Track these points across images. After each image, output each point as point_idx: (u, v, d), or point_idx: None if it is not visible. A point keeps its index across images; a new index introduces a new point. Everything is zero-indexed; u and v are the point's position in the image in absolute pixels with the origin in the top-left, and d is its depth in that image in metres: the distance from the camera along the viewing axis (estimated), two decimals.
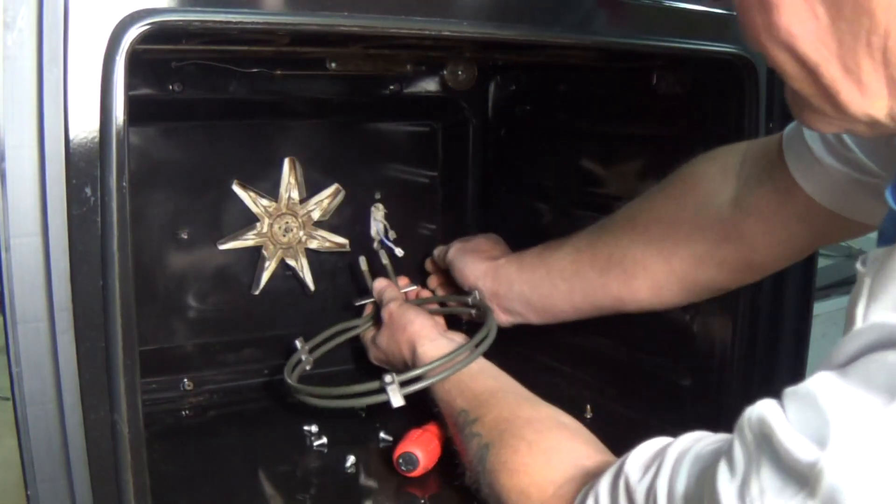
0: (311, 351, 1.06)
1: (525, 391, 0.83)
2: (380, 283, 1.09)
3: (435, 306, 1.14)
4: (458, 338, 0.97)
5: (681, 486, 0.52)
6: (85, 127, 0.55)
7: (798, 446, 0.42)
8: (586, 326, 1.14)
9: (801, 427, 0.43)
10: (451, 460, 0.83)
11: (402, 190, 1.21)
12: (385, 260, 1.15)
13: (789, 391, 0.45)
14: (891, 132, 0.49)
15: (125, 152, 0.56)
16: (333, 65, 1.02)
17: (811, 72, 0.47)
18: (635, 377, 1.07)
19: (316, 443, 0.95)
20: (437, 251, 1.16)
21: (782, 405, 0.45)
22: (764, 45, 0.48)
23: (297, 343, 1.05)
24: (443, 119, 1.23)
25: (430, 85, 1.17)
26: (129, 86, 0.56)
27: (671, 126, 1.00)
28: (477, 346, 0.92)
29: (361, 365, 1.11)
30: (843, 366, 0.43)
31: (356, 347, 1.12)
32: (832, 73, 0.46)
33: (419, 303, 1.11)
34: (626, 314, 0.97)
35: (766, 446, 0.44)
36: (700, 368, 0.98)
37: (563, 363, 1.17)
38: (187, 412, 1.04)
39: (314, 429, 0.96)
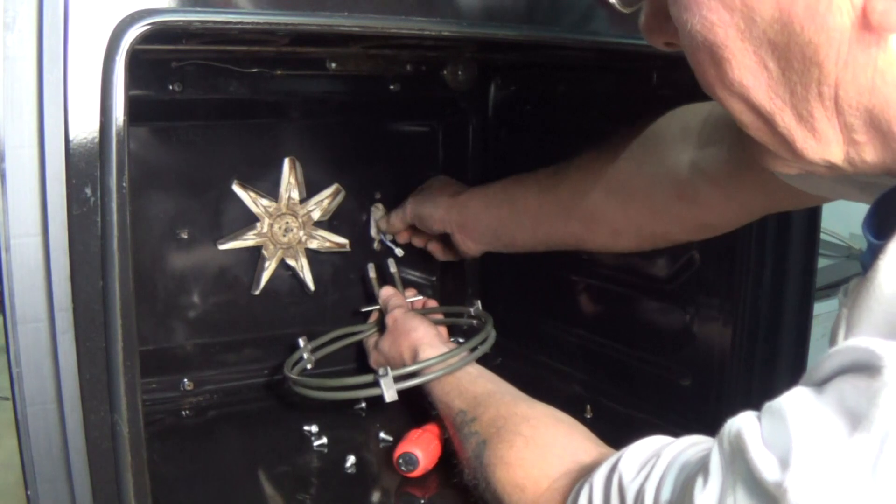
0: (313, 351, 1.07)
1: (522, 394, 0.84)
2: (386, 291, 1.12)
3: (439, 317, 1.16)
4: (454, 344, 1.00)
5: (666, 492, 0.53)
6: (85, 127, 0.55)
7: (766, 464, 0.42)
8: (586, 326, 1.15)
9: (771, 444, 0.43)
10: (451, 460, 0.83)
11: (402, 190, 1.20)
12: (393, 269, 1.17)
13: (766, 406, 0.45)
14: (850, 173, 0.49)
15: (125, 152, 0.56)
16: (333, 65, 1.02)
17: (767, 121, 0.48)
18: (635, 377, 1.07)
19: (316, 443, 0.95)
20: (394, 217, 1.15)
21: (760, 419, 0.45)
22: (719, 97, 0.49)
23: (301, 341, 1.05)
24: (443, 119, 1.23)
25: (430, 85, 1.17)
26: (129, 86, 0.56)
27: None
28: (473, 349, 0.94)
29: (362, 367, 1.11)
30: (821, 383, 0.43)
31: (358, 350, 1.13)
32: (787, 121, 0.47)
33: (423, 313, 1.12)
34: (626, 314, 0.97)
35: (741, 462, 0.45)
36: (700, 368, 0.98)
37: (564, 363, 1.17)
38: (187, 412, 1.04)
39: (314, 429, 0.96)
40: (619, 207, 0.88)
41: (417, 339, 0.97)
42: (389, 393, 0.89)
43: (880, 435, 0.38)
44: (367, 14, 0.65)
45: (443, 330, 1.10)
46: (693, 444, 0.55)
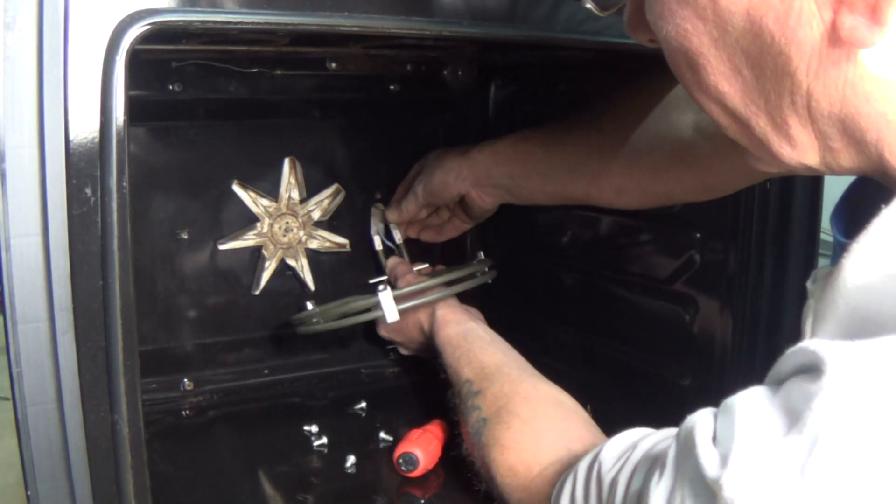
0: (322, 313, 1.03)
1: (531, 368, 0.85)
2: (392, 261, 1.12)
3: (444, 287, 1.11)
4: (473, 310, 1.01)
5: (636, 483, 0.53)
6: (85, 127, 0.55)
7: (709, 461, 0.43)
8: (586, 326, 1.14)
9: (719, 441, 0.44)
10: (450, 460, 0.83)
11: None
12: (399, 240, 1.15)
13: (723, 402, 0.46)
14: (830, 174, 0.50)
15: (125, 152, 0.56)
16: (333, 65, 1.02)
17: (743, 124, 0.49)
18: (635, 377, 1.07)
19: (316, 443, 0.95)
20: (406, 205, 1.12)
21: (717, 416, 0.46)
22: (697, 100, 0.50)
23: (309, 304, 1.03)
24: (443, 119, 1.23)
25: (430, 85, 1.17)
26: (129, 86, 0.56)
27: None
28: (473, 276, 0.97)
29: (371, 336, 1.11)
30: (778, 383, 0.43)
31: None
32: (762, 127, 0.48)
33: (432, 276, 1.08)
34: (626, 314, 0.97)
35: (690, 458, 0.45)
36: (700, 368, 0.98)
37: (563, 363, 1.17)
38: (187, 412, 1.04)
39: (314, 429, 0.96)
40: (623, 166, 0.89)
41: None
42: (391, 313, 0.90)
43: (811, 437, 0.38)
44: (367, 14, 0.65)
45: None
46: (669, 437, 0.56)
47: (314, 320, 0.98)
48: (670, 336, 1.01)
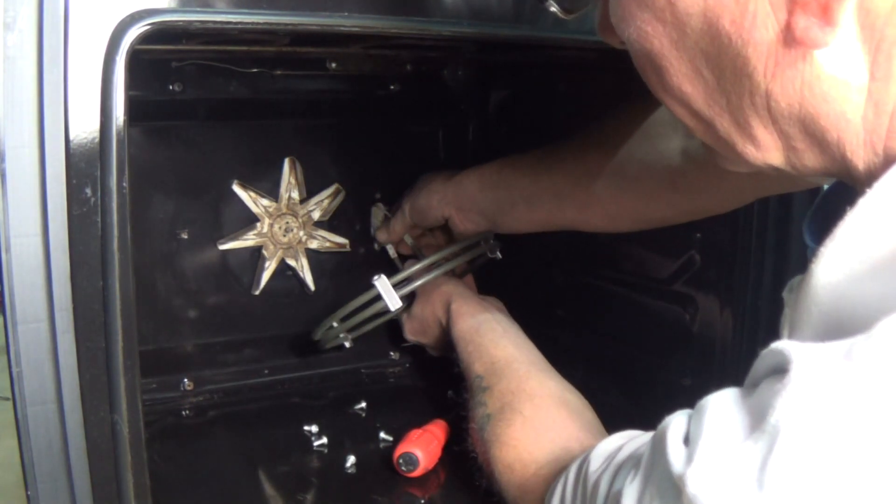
0: (342, 320, 1.00)
1: (542, 362, 0.86)
2: (409, 264, 1.10)
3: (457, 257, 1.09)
4: (491, 299, 1.02)
5: (617, 484, 0.53)
6: (85, 127, 0.55)
7: (676, 458, 0.44)
8: (586, 326, 1.14)
9: (690, 440, 0.44)
10: (450, 461, 0.83)
11: (403, 190, 1.20)
12: (409, 240, 1.15)
13: (698, 403, 0.46)
14: (797, 176, 0.50)
15: (125, 152, 0.56)
16: (333, 65, 1.02)
17: (708, 125, 0.49)
18: (635, 377, 1.07)
19: (316, 443, 0.95)
20: (394, 224, 1.12)
21: (690, 416, 0.47)
22: (664, 101, 0.51)
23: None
24: (443, 119, 1.23)
25: (430, 85, 1.17)
26: (129, 86, 0.56)
27: None
28: (469, 249, 0.99)
29: (394, 336, 1.12)
30: (754, 385, 0.44)
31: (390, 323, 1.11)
32: (726, 127, 0.48)
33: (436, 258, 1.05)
34: (626, 314, 0.97)
35: (660, 456, 0.46)
36: (700, 368, 0.98)
37: (563, 363, 1.17)
38: (187, 412, 1.04)
39: (314, 429, 0.96)
40: (613, 194, 0.89)
41: (448, 292, 1.00)
42: (392, 301, 0.92)
43: (772, 433, 0.38)
44: (367, 14, 0.65)
45: (470, 282, 1.11)
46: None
47: (332, 329, 0.99)
48: (670, 336, 1.01)
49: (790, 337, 0.46)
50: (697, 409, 0.46)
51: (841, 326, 0.41)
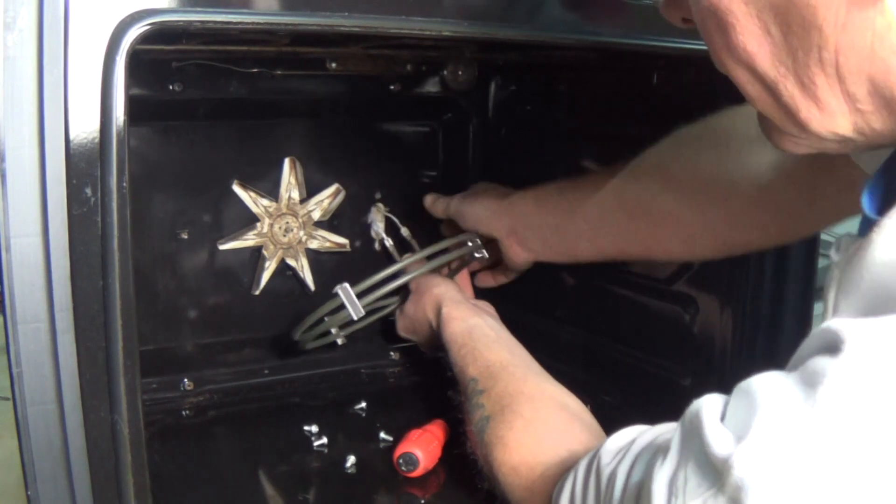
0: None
1: (536, 367, 0.85)
2: (406, 255, 1.10)
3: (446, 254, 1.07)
4: (483, 304, 0.99)
5: (636, 474, 0.53)
6: (85, 127, 0.55)
7: (718, 441, 0.43)
8: (586, 326, 1.14)
9: (731, 421, 0.44)
10: (451, 460, 0.83)
11: (403, 190, 1.20)
12: (406, 235, 1.16)
13: (738, 386, 0.46)
14: (863, 147, 0.49)
15: (125, 152, 0.56)
16: (333, 65, 1.02)
17: (771, 91, 0.48)
18: (635, 377, 1.07)
19: (316, 443, 0.95)
20: (438, 203, 1.10)
21: (728, 399, 0.46)
22: (726, 65, 0.50)
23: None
24: (443, 119, 1.23)
25: (430, 85, 1.17)
26: (129, 86, 0.56)
27: (671, 126, 1.00)
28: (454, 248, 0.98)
29: (389, 335, 1.12)
30: (799, 365, 0.43)
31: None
32: (790, 90, 0.47)
33: (420, 256, 1.05)
34: (626, 314, 0.96)
35: (696, 440, 0.45)
36: (700, 368, 0.98)
37: (563, 363, 1.17)
38: (187, 412, 1.04)
39: (314, 429, 0.96)
40: (694, 212, 0.82)
41: (439, 295, 0.97)
42: (355, 310, 0.91)
43: (827, 409, 0.38)
44: (367, 14, 0.65)
45: (466, 284, 1.09)
46: (670, 429, 0.55)
47: (305, 335, 0.99)
48: (670, 336, 1.01)
49: (837, 299, 0.46)
50: (741, 391, 0.44)
51: (893, 298, 0.41)
